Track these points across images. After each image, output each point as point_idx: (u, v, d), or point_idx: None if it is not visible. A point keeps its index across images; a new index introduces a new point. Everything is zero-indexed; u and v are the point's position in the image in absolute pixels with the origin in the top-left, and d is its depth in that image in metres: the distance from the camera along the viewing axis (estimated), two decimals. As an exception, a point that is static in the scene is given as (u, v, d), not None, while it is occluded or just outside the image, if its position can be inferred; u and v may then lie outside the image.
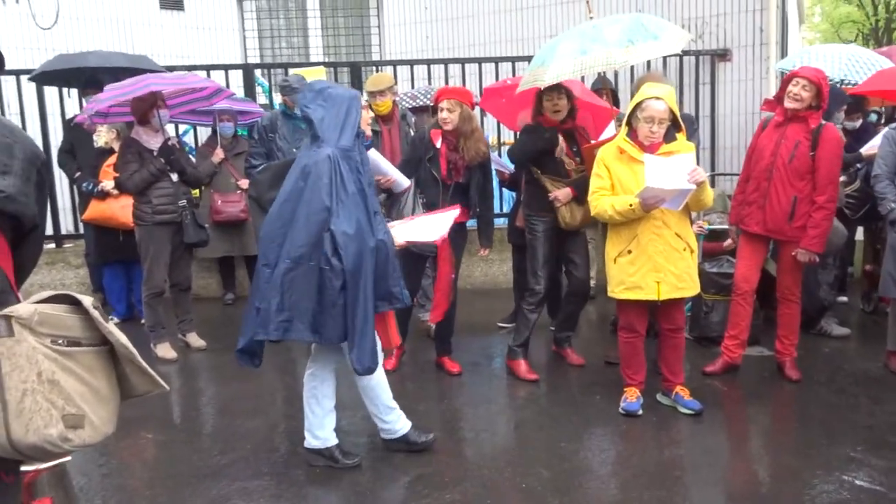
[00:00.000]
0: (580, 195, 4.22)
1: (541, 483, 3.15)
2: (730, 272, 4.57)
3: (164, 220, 4.84)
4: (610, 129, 4.51)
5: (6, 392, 1.61)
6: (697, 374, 4.29)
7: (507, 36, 8.01)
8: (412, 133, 5.15)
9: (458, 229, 4.23)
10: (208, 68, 6.65)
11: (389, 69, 6.98)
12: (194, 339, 5.15)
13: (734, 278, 4.35)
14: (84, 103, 5.73)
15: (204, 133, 7.17)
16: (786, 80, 4.09)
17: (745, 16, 6.97)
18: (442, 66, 6.95)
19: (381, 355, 3.32)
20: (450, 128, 4.25)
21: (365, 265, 3.02)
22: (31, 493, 2.45)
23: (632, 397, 3.84)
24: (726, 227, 4.89)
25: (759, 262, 4.30)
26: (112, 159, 5.26)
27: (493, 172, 6.34)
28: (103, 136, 5.48)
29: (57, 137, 6.43)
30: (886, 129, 4.55)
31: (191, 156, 5.01)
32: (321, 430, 3.33)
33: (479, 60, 6.96)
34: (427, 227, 3.66)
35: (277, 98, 7.29)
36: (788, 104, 4.00)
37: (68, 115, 6.42)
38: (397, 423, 3.43)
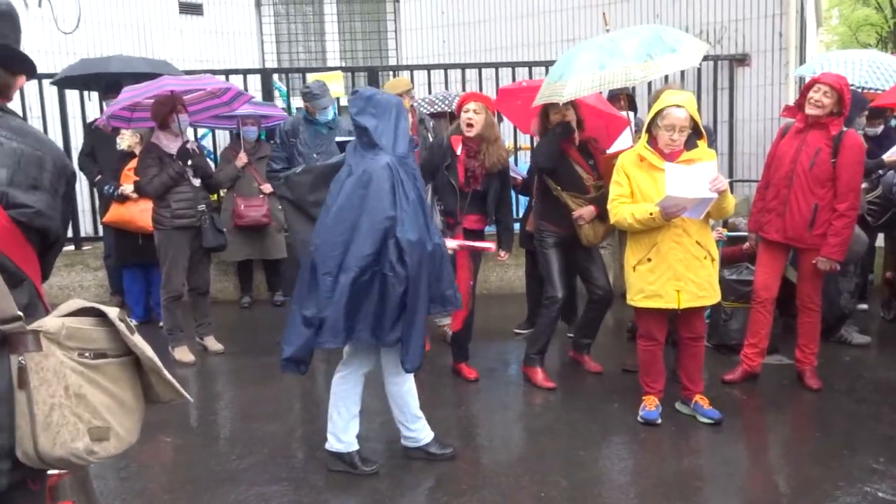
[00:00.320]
0: (602, 212, 4.20)
1: (559, 492, 3.14)
2: (749, 279, 4.54)
3: (182, 225, 4.87)
4: (625, 139, 4.49)
5: (34, 406, 1.63)
6: (716, 383, 4.26)
7: (523, 40, 8.00)
8: (430, 138, 5.16)
9: (475, 237, 4.23)
10: (227, 73, 6.71)
11: (406, 74, 7.01)
12: (212, 343, 5.19)
13: (754, 286, 4.32)
14: (105, 107, 5.79)
15: (222, 136, 7.24)
16: (807, 86, 4.05)
17: (765, 21, 6.93)
18: (459, 71, 6.96)
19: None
20: (474, 132, 4.23)
21: (424, 270, 3.08)
22: (54, 496, 2.47)
23: (650, 406, 3.82)
24: (746, 233, 4.86)
25: (778, 270, 4.26)
26: (133, 163, 5.31)
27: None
28: (126, 140, 5.53)
29: (78, 141, 6.50)
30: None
31: (209, 159, 5.05)
32: (345, 434, 3.34)
33: (496, 65, 6.96)
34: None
35: (294, 102, 7.36)
36: (809, 111, 3.97)
37: (89, 119, 6.50)
38: (422, 432, 3.44)
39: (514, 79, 6.69)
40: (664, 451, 3.53)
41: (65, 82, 6.10)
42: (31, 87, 6.47)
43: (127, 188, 5.41)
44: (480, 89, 6.68)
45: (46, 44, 7.11)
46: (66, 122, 6.57)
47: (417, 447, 3.44)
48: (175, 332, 4.99)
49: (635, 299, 3.77)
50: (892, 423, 3.72)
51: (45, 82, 6.31)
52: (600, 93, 5.01)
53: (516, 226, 6.68)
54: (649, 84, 6.04)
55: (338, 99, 6.39)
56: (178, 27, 8.20)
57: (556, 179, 4.28)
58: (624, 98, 5.43)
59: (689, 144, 3.67)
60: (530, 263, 5.33)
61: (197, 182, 4.93)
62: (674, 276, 3.64)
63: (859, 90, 5.26)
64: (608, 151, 4.44)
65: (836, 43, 29.81)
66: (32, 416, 1.63)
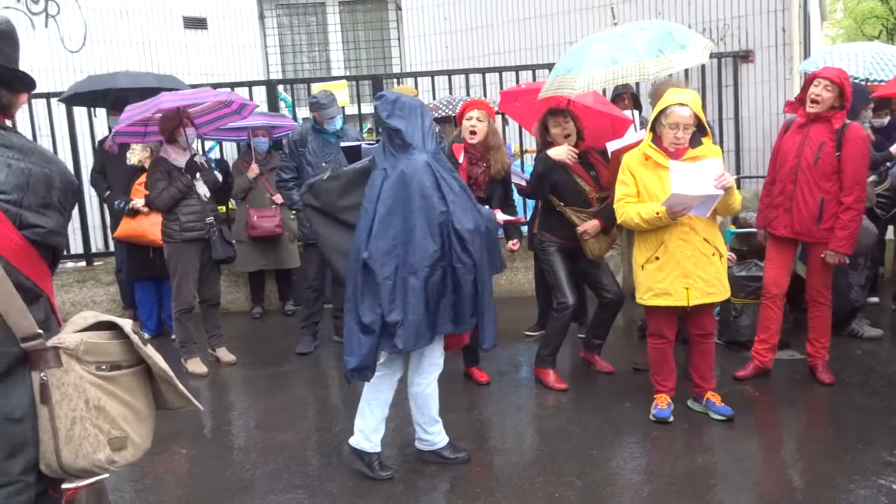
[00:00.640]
0: (607, 226, 4.22)
1: (574, 492, 3.15)
2: (758, 275, 4.53)
3: (192, 238, 4.92)
4: (630, 134, 4.48)
5: (56, 420, 1.69)
6: (728, 380, 4.25)
7: (526, 44, 8.02)
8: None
9: None
10: (232, 85, 6.76)
11: (411, 81, 7.04)
12: (224, 354, 5.22)
13: (763, 282, 4.31)
14: (111, 123, 5.86)
15: (229, 148, 7.29)
16: (808, 81, 4.06)
17: (768, 16, 6.91)
18: (462, 77, 6.99)
19: (440, 368, 3.40)
20: (477, 139, 4.26)
21: (485, 252, 3.21)
22: (72, 509, 2.51)
23: (662, 404, 3.82)
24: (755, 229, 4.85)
25: (787, 265, 4.25)
26: (143, 178, 5.36)
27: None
28: (137, 155, 5.60)
29: (87, 158, 6.57)
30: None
31: (216, 171, 5.09)
32: (375, 435, 3.36)
33: (500, 69, 6.98)
34: None
35: (300, 113, 7.41)
36: (810, 106, 3.96)
37: (97, 135, 6.57)
38: (438, 435, 3.46)
39: (517, 82, 6.71)
40: (677, 449, 3.53)
41: (73, 99, 6.18)
42: (39, 105, 6.57)
43: (137, 202, 5.46)
44: (484, 94, 6.72)
45: (53, 63, 7.19)
46: (74, 140, 6.65)
47: (432, 450, 3.46)
48: (187, 345, 5.03)
49: (644, 298, 3.77)
50: (905, 416, 3.70)
51: (53, 101, 6.38)
52: (601, 93, 5.03)
53: (525, 229, 6.73)
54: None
55: (343, 108, 6.45)
56: (184, 42, 8.28)
57: (558, 195, 4.26)
58: (628, 97, 5.45)
59: (694, 142, 3.67)
60: (539, 266, 5.33)
61: (205, 194, 4.98)
62: (682, 274, 3.64)
63: (863, 82, 5.24)
64: (610, 148, 4.42)
65: (841, 36, 29.66)
66: (55, 430, 1.69)
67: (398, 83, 7.37)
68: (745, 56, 6.95)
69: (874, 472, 3.15)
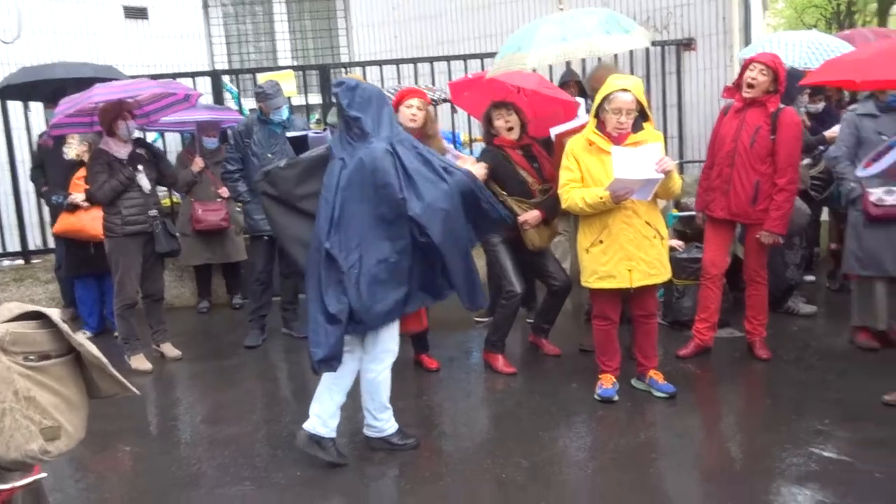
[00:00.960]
0: (548, 216, 4.27)
1: (520, 473, 3.19)
2: (699, 257, 4.64)
3: (134, 231, 4.81)
4: (582, 116, 4.53)
5: None
6: (671, 358, 4.35)
7: (475, 33, 8.04)
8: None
9: None
10: (175, 76, 6.62)
11: (359, 70, 7.00)
12: (169, 350, 5.13)
13: (703, 263, 4.42)
14: (47, 116, 5.69)
15: (172, 139, 7.14)
16: (744, 66, 4.17)
17: (709, 5, 7.06)
18: (411, 66, 6.98)
19: (394, 355, 3.40)
20: (417, 125, 4.27)
21: (453, 224, 3.15)
22: (7, 510, 2.44)
23: (607, 384, 3.90)
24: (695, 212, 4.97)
25: (726, 247, 4.37)
26: (82, 172, 5.23)
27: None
28: (74, 149, 5.44)
29: (23, 153, 6.36)
30: (846, 112, 4.66)
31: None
32: (332, 420, 3.34)
33: (448, 59, 6.99)
34: None
35: (246, 103, 7.30)
36: (746, 90, 4.08)
37: (34, 129, 6.37)
38: (387, 422, 3.47)
39: (466, 72, 6.72)
40: (621, 426, 3.60)
41: (6, 93, 5.97)
42: (-29, 99, 6.32)
43: (77, 197, 5.31)
44: (433, 83, 6.72)
45: (-14, 55, 6.94)
46: (9, 134, 6.42)
47: (380, 437, 3.47)
48: (130, 341, 4.92)
49: (589, 281, 3.84)
50: (836, 388, 3.84)
51: (-14, 94, 6.16)
52: (545, 79, 5.10)
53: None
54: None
55: (289, 98, 6.38)
56: (124, 32, 8.06)
57: (500, 185, 4.28)
58: (574, 84, 5.53)
59: (636, 127, 3.74)
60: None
61: (147, 187, 4.87)
62: (625, 257, 3.71)
63: (800, 70, 5.38)
64: (554, 132, 4.48)
65: (782, 25, 30.47)
66: None
67: (346, 73, 7.32)
68: (687, 44, 7.09)
69: (806, 441, 3.27)
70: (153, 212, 4.90)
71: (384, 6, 8.43)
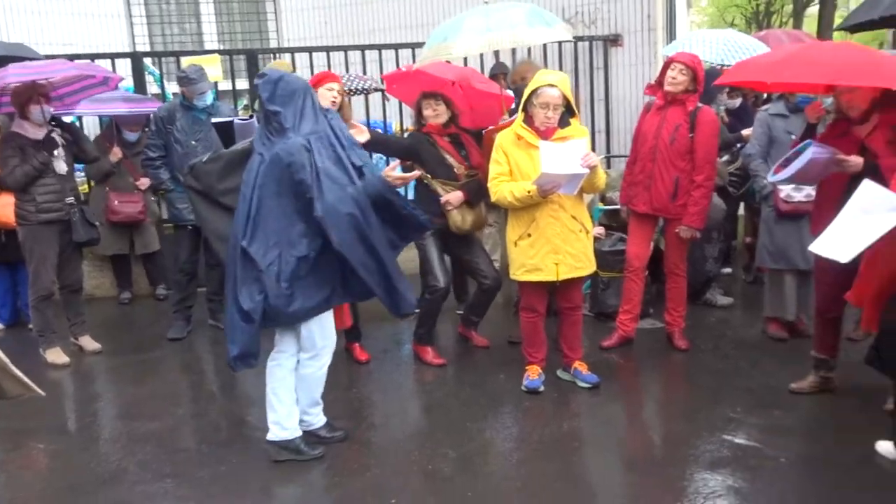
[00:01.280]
0: (472, 199, 4.30)
1: (447, 464, 3.24)
2: (622, 250, 4.78)
3: (50, 219, 4.60)
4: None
5: None
6: (595, 349, 4.47)
7: (407, 22, 7.98)
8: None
9: None
10: (93, 56, 6.32)
11: (288, 56, 6.86)
12: (88, 343, 4.94)
13: (626, 256, 4.56)
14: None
15: (91, 121, 6.83)
16: (665, 65, 4.31)
17: (634, 2, 7.22)
18: (342, 53, 6.88)
19: (332, 349, 3.38)
20: (335, 109, 4.22)
21: (361, 228, 3.05)
22: None
23: (534, 375, 3.98)
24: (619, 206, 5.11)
25: (648, 240, 4.53)
26: (-10, 156, 4.95)
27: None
28: None
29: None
30: (759, 111, 4.87)
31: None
32: (289, 421, 3.31)
33: (380, 47, 6.92)
34: None
35: (170, 87, 7.05)
36: (667, 88, 4.22)
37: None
38: (317, 416, 3.46)
39: (397, 60, 6.69)
40: (547, 416, 3.69)
41: None
42: None
43: (-16, 183, 5.03)
44: (364, 72, 6.66)
45: None
46: None
47: (309, 431, 3.44)
48: (46, 334, 4.71)
49: (517, 273, 3.90)
50: (749, 377, 4.04)
51: None
52: (478, 73, 5.16)
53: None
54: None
55: (216, 83, 6.20)
56: (37, 9, 7.63)
57: (424, 167, 4.30)
58: (503, 77, 5.59)
59: (563, 122, 3.81)
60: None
61: (63, 171, 4.66)
62: (552, 250, 3.79)
63: (718, 67, 5.59)
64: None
65: (706, 23, 31.54)
66: None
67: (274, 58, 7.16)
68: (614, 40, 7.25)
69: (720, 428, 3.44)
70: (70, 199, 4.69)
71: (315, -10, 8.27)
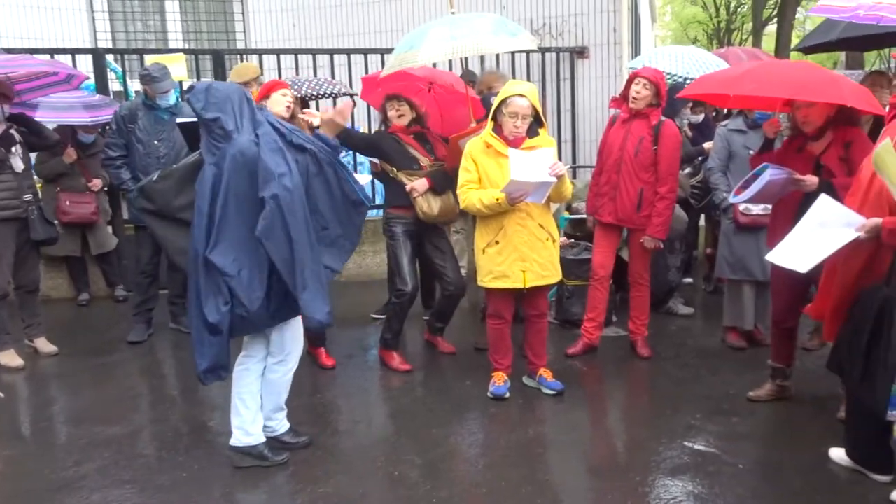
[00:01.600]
0: (437, 186, 4.35)
1: (413, 470, 3.24)
2: (588, 258, 4.85)
3: (6, 217, 4.48)
4: None
5: None
6: (561, 356, 4.53)
7: (376, 27, 8.00)
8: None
9: None
10: (52, 52, 6.19)
11: (255, 58, 6.80)
12: (44, 345, 4.81)
13: (591, 265, 4.62)
14: None
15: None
16: (629, 79, 4.40)
17: (601, 16, 7.36)
18: (310, 56, 6.85)
19: (298, 355, 3.36)
20: (289, 115, 4.21)
21: (283, 213, 2.95)
22: None
23: (499, 381, 4.01)
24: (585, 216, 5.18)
25: (613, 250, 4.60)
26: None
27: (369, 161, 6.37)
28: None
29: None
30: (719, 126, 5.00)
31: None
32: (253, 426, 3.27)
33: (348, 51, 6.91)
34: None
35: (132, 86, 6.92)
36: (631, 104, 4.31)
37: None
38: (280, 422, 3.44)
39: (366, 65, 6.69)
40: (512, 422, 3.72)
41: None
42: None
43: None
44: (333, 76, 6.64)
45: None
46: None
47: (272, 437, 3.41)
48: (0, 335, 4.58)
49: (485, 280, 3.93)
50: (709, 384, 4.13)
51: None
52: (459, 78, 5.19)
53: (376, 213, 6.74)
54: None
55: (180, 83, 6.11)
56: (-5, 0, 7.45)
57: (391, 163, 4.38)
58: (470, 85, 5.61)
59: (531, 132, 3.86)
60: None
61: (20, 168, 4.54)
62: (519, 258, 3.83)
63: (682, 80, 5.71)
64: None
65: (669, 38, 32.24)
66: None
67: (241, 59, 7.09)
68: (580, 52, 7.37)
69: (680, 434, 3.51)
70: (28, 196, 4.58)
71: (283, -7, 8.23)
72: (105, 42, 8.03)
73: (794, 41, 15.37)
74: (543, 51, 7.09)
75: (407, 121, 4.41)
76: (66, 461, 3.38)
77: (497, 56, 6.87)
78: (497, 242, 3.84)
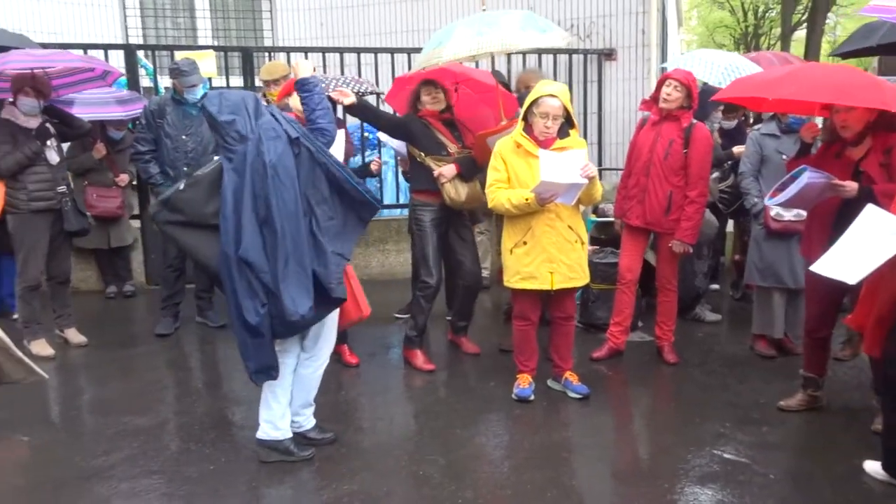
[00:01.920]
0: (465, 172, 4.36)
1: (437, 469, 3.23)
2: (614, 262, 4.82)
3: (41, 208, 4.55)
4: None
5: None
6: (585, 360, 4.49)
7: (403, 26, 8.01)
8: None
9: None
10: (86, 47, 6.26)
11: (283, 56, 6.84)
12: (74, 335, 4.88)
13: (619, 268, 4.59)
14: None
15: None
16: (660, 81, 4.36)
17: (629, 17, 7.31)
18: (337, 55, 6.88)
19: (331, 349, 3.40)
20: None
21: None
22: None
23: (524, 383, 3.99)
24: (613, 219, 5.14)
25: (640, 253, 4.55)
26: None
27: (396, 160, 6.37)
28: None
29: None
30: (752, 130, 4.93)
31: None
32: (282, 421, 3.29)
33: (375, 50, 6.93)
34: None
35: (162, 81, 6.99)
36: (662, 105, 4.27)
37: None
38: (307, 419, 3.45)
39: (392, 64, 6.70)
40: (537, 425, 3.70)
41: None
42: None
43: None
44: (360, 74, 6.66)
45: None
46: None
47: (298, 433, 3.42)
48: (31, 325, 4.65)
49: (511, 281, 3.91)
50: (736, 392, 4.08)
51: None
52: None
53: (399, 212, 6.76)
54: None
55: (209, 79, 6.16)
56: (30, -5, 7.55)
57: (418, 147, 4.40)
58: (502, 86, 5.59)
59: (562, 133, 3.83)
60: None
61: (55, 160, 4.61)
62: (547, 259, 3.80)
63: (714, 87, 5.62)
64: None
65: (695, 42, 31.94)
66: None
67: (269, 57, 7.13)
68: (608, 54, 7.32)
69: (709, 442, 3.46)
70: (62, 188, 4.65)
71: (311, -9, 8.26)
72: (136, 38, 8.12)
73: (824, 47, 15.16)
74: (571, 52, 7.06)
75: (440, 107, 4.43)
76: (95, 450, 3.42)
77: (523, 57, 6.86)
78: (525, 243, 3.82)
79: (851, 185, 3.32)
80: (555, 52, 6.86)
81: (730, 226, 6.18)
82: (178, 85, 4.97)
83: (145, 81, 6.92)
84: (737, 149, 5.37)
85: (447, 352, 4.81)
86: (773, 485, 3.09)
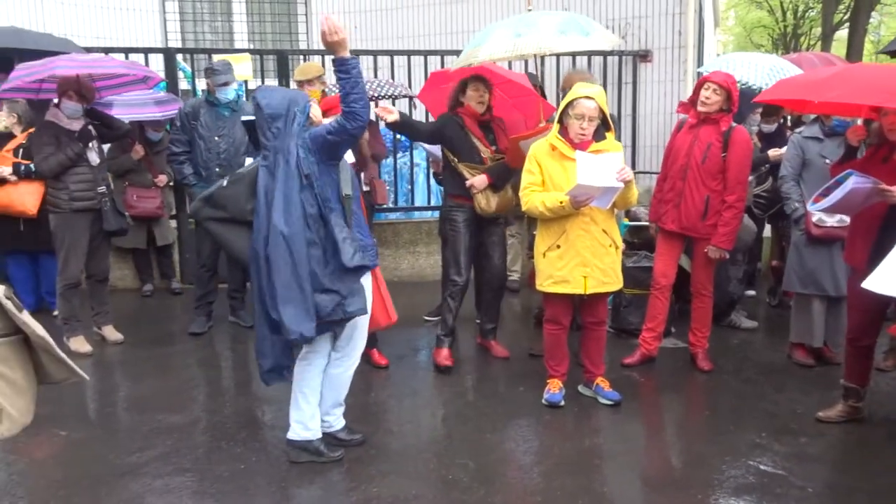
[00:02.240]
0: (496, 182, 4.35)
1: (466, 474, 3.21)
2: (648, 267, 4.75)
3: (82, 208, 4.65)
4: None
5: None
6: (616, 366, 4.43)
7: (437, 29, 8.02)
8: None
9: None
10: (127, 51, 6.40)
11: (318, 59, 6.88)
12: (111, 333, 4.97)
13: (653, 273, 4.52)
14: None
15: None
16: (698, 84, 4.28)
17: (665, 19, 7.21)
18: (371, 58, 6.91)
19: (362, 350, 3.40)
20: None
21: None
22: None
23: (554, 388, 3.95)
24: (647, 223, 5.07)
25: (675, 258, 4.48)
26: (11, 144, 5.00)
27: (427, 162, 6.37)
28: (2, 121, 5.20)
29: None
30: (793, 133, 4.82)
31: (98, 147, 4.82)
32: (313, 422, 3.31)
33: (409, 53, 6.95)
34: None
35: (200, 85, 7.10)
36: (700, 108, 4.20)
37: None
38: (337, 419, 3.47)
39: (425, 67, 6.70)
40: (567, 431, 3.66)
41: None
42: None
43: (4, 170, 5.03)
44: (393, 77, 6.68)
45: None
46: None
47: (327, 433, 3.44)
48: (71, 322, 4.75)
49: (544, 285, 3.87)
50: (773, 401, 3.99)
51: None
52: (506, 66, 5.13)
53: (430, 214, 6.76)
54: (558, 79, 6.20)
55: (245, 82, 6.24)
56: (74, 1, 7.74)
57: (453, 151, 4.41)
58: (535, 89, 5.56)
59: (598, 136, 3.78)
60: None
61: (96, 161, 4.71)
62: (581, 263, 3.76)
63: (756, 89, 5.48)
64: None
65: (732, 43, 31.42)
66: None
67: (305, 60, 7.19)
68: (644, 55, 7.23)
69: (744, 453, 3.39)
70: (102, 188, 4.75)
71: (345, -5, 8.32)
72: (175, 42, 8.26)
73: (867, 47, 14.79)
74: (606, 54, 6.99)
75: (483, 109, 4.42)
76: (130, 447, 3.48)
77: (557, 58, 6.80)
78: (558, 246, 3.78)
79: None
80: (589, 53, 6.80)
81: (767, 230, 6.05)
82: (211, 84, 5.04)
83: (183, 84, 7.04)
84: (773, 152, 5.25)
85: (477, 355, 4.79)
86: (812, 498, 3.01)
